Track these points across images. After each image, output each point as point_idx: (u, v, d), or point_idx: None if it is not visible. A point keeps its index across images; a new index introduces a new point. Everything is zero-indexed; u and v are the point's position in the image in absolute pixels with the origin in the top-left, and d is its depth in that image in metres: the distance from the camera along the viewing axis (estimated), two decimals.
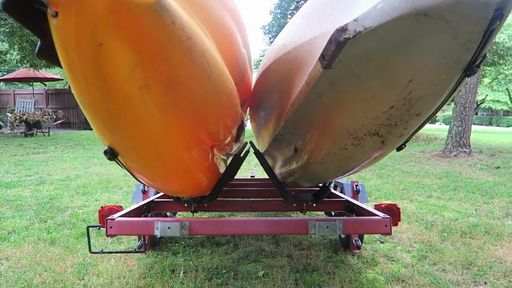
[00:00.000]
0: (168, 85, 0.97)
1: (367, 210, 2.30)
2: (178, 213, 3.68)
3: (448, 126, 10.28)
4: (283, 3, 20.23)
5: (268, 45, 21.29)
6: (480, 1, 0.84)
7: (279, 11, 20.59)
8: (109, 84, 0.87)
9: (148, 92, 0.95)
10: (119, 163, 1.30)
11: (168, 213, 3.27)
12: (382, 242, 3.29)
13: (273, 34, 20.32)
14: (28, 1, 0.73)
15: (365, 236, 3.21)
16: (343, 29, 0.94)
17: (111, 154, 1.15)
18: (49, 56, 0.86)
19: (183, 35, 0.87)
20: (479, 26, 0.87)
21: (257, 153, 2.52)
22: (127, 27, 0.78)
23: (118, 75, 0.86)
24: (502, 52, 15.10)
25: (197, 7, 1.09)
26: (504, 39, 15.80)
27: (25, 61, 14.43)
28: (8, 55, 16.31)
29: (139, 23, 0.78)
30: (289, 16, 19.49)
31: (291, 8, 20.00)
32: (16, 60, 15.53)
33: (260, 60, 20.38)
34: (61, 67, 0.87)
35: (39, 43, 0.84)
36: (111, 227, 1.95)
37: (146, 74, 0.90)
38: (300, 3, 19.07)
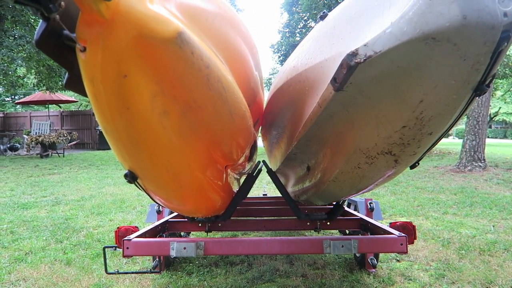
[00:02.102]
0: (186, 110, 1.01)
1: (382, 228, 2.28)
2: (192, 232, 3.69)
3: (461, 140, 10.15)
4: (291, 22, 20.57)
5: (277, 63, 21.54)
6: (486, 24, 0.87)
7: (287, 30, 20.92)
8: (132, 112, 0.92)
9: (167, 118, 0.99)
10: (138, 185, 1.33)
11: (182, 233, 3.29)
12: (398, 261, 3.23)
13: (282, 52, 20.59)
14: (58, 37, 0.78)
15: (381, 254, 3.17)
16: (353, 54, 0.98)
17: (131, 177, 1.19)
18: (76, 87, 0.91)
19: (202, 64, 0.92)
20: (487, 48, 0.90)
21: (270, 172, 2.54)
22: (150, 59, 0.83)
23: (140, 103, 0.91)
24: None
25: (212, 34, 1.15)
26: None
27: (42, 85, 14.90)
28: (25, 79, 16.86)
29: (161, 55, 0.83)
30: (297, 35, 19.77)
31: (299, 26, 20.30)
32: (33, 83, 16.04)
33: (269, 79, 20.62)
34: (86, 96, 0.92)
35: (66, 75, 0.90)
36: (127, 248, 1.97)
37: (166, 101, 0.94)
38: (308, 22, 19.37)
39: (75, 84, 0.90)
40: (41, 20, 0.73)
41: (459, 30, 0.87)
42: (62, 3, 0.71)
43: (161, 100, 0.93)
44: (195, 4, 1.06)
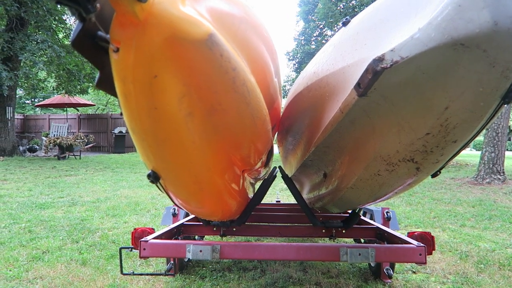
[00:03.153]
0: (210, 112, 1.03)
1: (400, 237, 2.24)
2: (206, 236, 3.70)
3: (479, 152, 9.93)
4: (307, 30, 20.61)
5: (292, 71, 21.56)
6: None
7: (303, 38, 20.96)
8: (159, 112, 0.94)
9: (192, 119, 1.00)
10: (159, 186, 1.35)
11: (196, 237, 3.30)
12: (414, 272, 3.17)
13: (297, 60, 20.62)
14: (93, 38, 0.81)
15: (396, 265, 3.11)
16: (380, 59, 0.98)
17: (154, 177, 1.21)
18: (106, 86, 0.94)
19: (229, 66, 0.93)
20: None
21: (285, 178, 2.54)
22: (181, 61, 0.85)
23: (168, 104, 0.93)
24: None
25: (237, 38, 1.16)
26: None
27: (61, 88, 15.26)
28: (46, 82, 17.32)
29: (192, 57, 0.85)
30: (313, 43, 19.78)
31: (314, 34, 20.33)
32: (53, 87, 16.45)
33: (284, 86, 20.65)
34: (116, 97, 0.94)
35: (98, 75, 0.92)
36: (144, 249, 1.99)
37: (192, 102, 0.96)
38: (324, 30, 19.38)
39: (106, 84, 0.92)
40: (77, 21, 0.76)
41: (490, 36, 0.86)
42: (98, 4, 0.74)
43: (187, 101, 0.95)
44: (223, 8, 1.08)
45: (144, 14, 0.78)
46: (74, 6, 0.67)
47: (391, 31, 1.09)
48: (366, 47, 1.23)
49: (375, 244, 2.16)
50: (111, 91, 0.94)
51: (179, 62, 0.85)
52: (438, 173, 1.51)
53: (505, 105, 1.04)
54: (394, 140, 1.28)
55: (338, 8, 16.41)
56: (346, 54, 1.39)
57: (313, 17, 19.97)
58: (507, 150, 15.96)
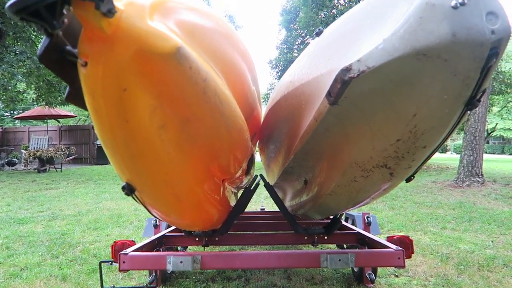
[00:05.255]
0: (184, 124, 1.03)
1: (379, 242, 2.28)
2: (189, 247, 3.66)
3: (459, 156, 10.18)
4: (289, 38, 20.85)
5: (275, 79, 21.73)
6: (476, 41, 0.90)
7: (285, 46, 21.18)
8: (131, 125, 0.94)
9: (166, 131, 1.01)
10: (135, 198, 1.34)
11: (179, 248, 3.26)
12: (396, 276, 3.21)
13: (280, 68, 20.80)
14: (61, 53, 0.81)
15: (379, 269, 3.14)
16: (347, 69, 1.01)
17: (129, 189, 1.20)
18: (76, 101, 0.93)
19: (199, 77, 0.95)
20: (476, 63, 0.93)
21: (267, 185, 2.55)
22: (150, 74, 0.85)
23: (139, 117, 0.93)
24: (509, 81, 15.17)
25: (210, 50, 1.18)
26: (510, 68, 15.93)
27: (41, 100, 14.95)
28: (25, 94, 16.94)
29: (160, 70, 0.86)
30: (295, 51, 20.01)
31: (296, 43, 20.58)
32: (32, 98, 16.10)
33: (268, 94, 20.76)
34: (87, 110, 0.94)
35: (67, 89, 0.92)
36: (124, 262, 1.96)
37: (164, 115, 0.97)
38: (306, 38, 19.66)
39: (76, 97, 0.92)
40: (44, 36, 0.76)
41: (449, 47, 0.90)
42: (66, 20, 0.74)
43: (159, 113, 0.95)
44: (193, 20, 1.10)
45: (112, 29, 0.78)
46: (38, 22, 0.67)
47: (360, 41, 1.13)
48: (337, 56, 1.26)
49: (355, 250, 2.18)
50: (82, 105, 0.93)
51: (148, 76, 0.86)
52: (412, 177, 1.55)
53: (469, 112, 1.08)
54: (368, 146, 1.31)
55: (319, 17, 16.70)
56: (319, 64, 1.42)
57: (295, 26, 20.24)
58: (485, 153, 16.41)
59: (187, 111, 1.00)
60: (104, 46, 0.80)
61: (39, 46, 0.78)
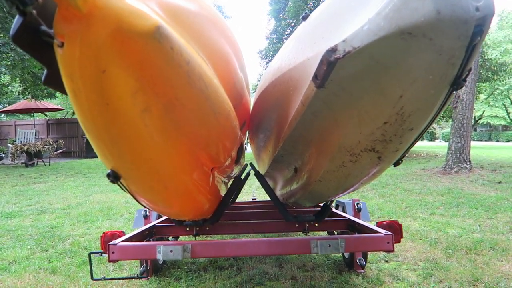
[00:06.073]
0: (168, 108, 1.01)
1: (369, 227, 2.30)
2: (180, 237, 3.66)
3: (447, 143, 10.31)
4: (279, 28, 20.71)
5: (265, 69, 21.64)
6: (460, 18, 0.89)
7: (274, 36, 21.04)
8: (112, 108, 0.91)
9: (149, 116, 0.98)
10: (121, 186, 1.32)
11: (170, 238, 3.25)
12: (386, 261, 3.25)
13: (270, 58, 20.68)
14: (35, 33, 0.78)
15: (369, 255, 3.18)
16: (333, 50, 0.99)
17: (114, 177, 1.18)
18: (54, 84, 0.90)
19: (182, 60, 0.92)
20: (461, 42, 0.92)
21: (257, 174, 2.54)
22: (128, 54, 0.83)
23: (120, 100, 0.90)
24: (495, 68, 15.36)
25: (193, 33, 1.15)
26: (496, 55, 16.11)
27: (27, 93, 14.66)
28: (10, 87, 16.58)
29: (139, 50, 0.83)
30: (284, 41, 19.90)
31: (286, 32, 20.46)
32: (18, 92, 15.78)
33: (257, 84, 20.68)
34: (66, 94, 0.91)
35: (45, 72, 0.89)
36: (113, 252, 1.95)
37: (146, 98, 0.94)
38: (295, 28, 19.54)
39: (54, 81, 0.89)
40: (17, 15, 0.72)
41: (434, 24, 0.89)
42: None
43: (142, 96, 0.93)
44: (177, 2, 1.07)
45: (88, 7, 0.75)
46: None
47: (346, 23, 1.11)
48: (323, 39, 1.25)
49: (344, 235, 2.20)
50: (60, 88, 0.90)
51: (127, 56, 0.83)
52: (400, 162, 1.55)
53: (454, 92, 1.08)
54: (355, 130, 1.31)
55: (308, 6, 16.60)
56: (306, 48, 1.41)
57: (284, 16, 20.08)
58: (473, 140, 16.65)
59: (171, 95, 0.98)
60: (80, 25, 0.77)
61: (12, 26, 0.74)
